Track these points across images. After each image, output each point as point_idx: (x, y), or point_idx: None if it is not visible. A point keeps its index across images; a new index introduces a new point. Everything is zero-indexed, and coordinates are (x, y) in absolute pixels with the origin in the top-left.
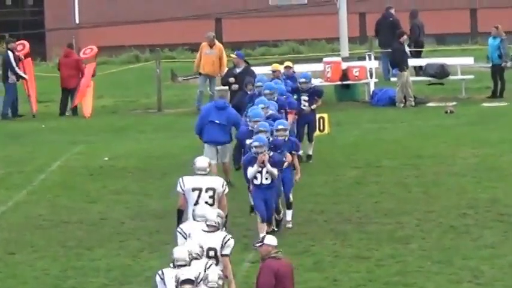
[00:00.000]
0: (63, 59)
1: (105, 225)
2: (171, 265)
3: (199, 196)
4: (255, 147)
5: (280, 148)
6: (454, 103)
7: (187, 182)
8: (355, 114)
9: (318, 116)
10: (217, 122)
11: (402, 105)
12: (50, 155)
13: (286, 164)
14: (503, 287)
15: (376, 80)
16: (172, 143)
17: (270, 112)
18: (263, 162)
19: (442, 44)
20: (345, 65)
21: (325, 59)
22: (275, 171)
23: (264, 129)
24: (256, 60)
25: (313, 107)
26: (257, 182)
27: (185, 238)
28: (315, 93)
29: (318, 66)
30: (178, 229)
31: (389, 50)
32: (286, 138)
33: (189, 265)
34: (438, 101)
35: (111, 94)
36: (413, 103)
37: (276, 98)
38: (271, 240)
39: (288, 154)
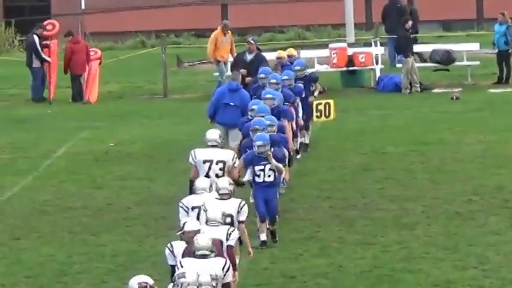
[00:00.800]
0: (72, 45)
1: (111, 211)
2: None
3: (209, 168)
4: (258, 146)
5: (280, 144)
6: (460, 89)
7: (199, 154)
8: (360, 100)
9: (323, 102)
10: (231, 103)
11: (408, 91)
12: (55, 141)
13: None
14: (508, 273)
15: (382, 66)
16: (178, 129)
17: (276, 104)
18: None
19: (448, 30)
20: (350, 51)
21: (331, 45)
22: (280, 165)
23: (260, 127)
24: (263, 46)
25: (316, 93)
26: (259, 179)
27: (187, 212)
28: (310, 80)
29: (323, 52)
30: (180, 203)
31: (395, 36)
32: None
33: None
34: (444, 87)
35: (117, 80)
36: (419, 89)
37: (280, 89)
38: (192, 225)
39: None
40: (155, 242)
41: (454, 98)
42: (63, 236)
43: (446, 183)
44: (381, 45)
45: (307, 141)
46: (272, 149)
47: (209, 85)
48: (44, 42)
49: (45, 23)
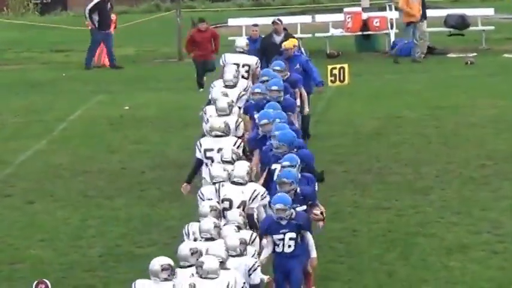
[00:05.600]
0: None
1: (126, 175)
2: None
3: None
4: (278, 210)
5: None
6: (474, 54)
7: (229, 58)
8: (375, 65)
9: (338, 66)
10: None
11: (422, 56)
12: (70, 105)
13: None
14: None
15: (397, 31)
16: (193, 94)
17: (287, 75)
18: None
19: None
20: (365, 15)
21: (345, 9)
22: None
23: (290, 163)
24: (277, 11)
25: (307, 109)
26: (278, 249)
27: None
28: (289, 85)
29: (338, 17)
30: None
31: None
32: (282, 99)
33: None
34: (458, 52)
35: (132, 44)
36: (422, 55)
37: (286, 76)
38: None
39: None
40: (169, 206)
41: (469, 62)
42: (77, 200)
43: (460, 147)
44: (396, 9)
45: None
46: (298, 189)
47: (223, 49)
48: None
49: None
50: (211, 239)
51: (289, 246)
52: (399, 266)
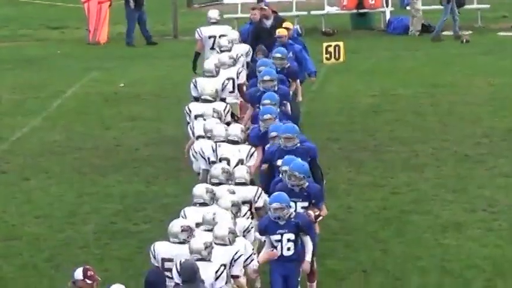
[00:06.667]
0: None
1: (120, 152)
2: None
3: (214, 42)
4: (275, 209)
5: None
6: (470, 32)
7: (204, 31)
8: (370, 42)
9: (333, 44)
10: None
11: (417, 33)
12: (65, 81)
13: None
14: None
15: (392, 9)
16: (188, 70)
17: (287, 64)
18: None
19: None
20: None
21: None
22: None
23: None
24: None
25: (300, 98)
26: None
27: (189, 116)
28: (288, 75)
29: None
30: (186, 109)
31: None
32: (276, 88)
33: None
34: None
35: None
36: (417, 33)
37: (287, 65)
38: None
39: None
40: (164, 182)
41: (464, 41)
42: (72, 177)
43: (455, 125)
44: None
45: None
46: (306, 184)
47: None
48: None
49: None
50: (205, 204)
51: (288, 248)
52: (394, 243)
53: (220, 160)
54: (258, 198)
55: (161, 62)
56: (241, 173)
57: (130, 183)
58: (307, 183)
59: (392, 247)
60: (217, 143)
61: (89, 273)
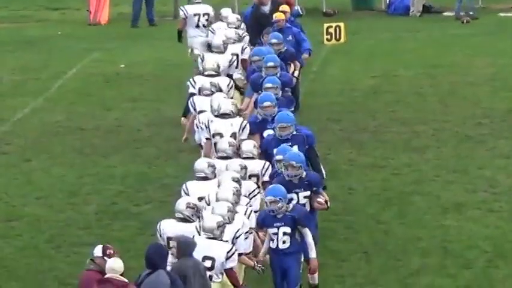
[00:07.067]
0: None
1: (121, 132)
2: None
3: (198, 20)
4: (270, 202)
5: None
6: (471, 13)
7: (189, 9)
8: (371, 23)
9: (334, 24)
10: None
11: (419, 14)
12: (66, 62)
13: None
14: None
15: None
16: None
17: (284, 48)
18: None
19: None
20: None
21: None
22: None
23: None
24: None
25: (296, 74)
26: (273, 245)
27: (193, 87)
28: (286, 59)
29: None
30: (191, 80)
31: None
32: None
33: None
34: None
35: (128, 1)
36: (418, 14)
37: (284, 48)
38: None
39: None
40: (165, 163)
41: (465, 21)
42: (73, 157)
43: (456, 106)
44: None
45: None
46: (305, 174)
47: (220, 6)
48: None
49: None
50: (206, 178)
51: (284, 242)
52: (395, 225)
53: (214, 136)
54: (265, 171)
55: (162, 42)
56: (249, 147)
57: (132, 164)
58: (305, 172)
59: (393, 228)
60: (209, 119)
61: (108, 251)
